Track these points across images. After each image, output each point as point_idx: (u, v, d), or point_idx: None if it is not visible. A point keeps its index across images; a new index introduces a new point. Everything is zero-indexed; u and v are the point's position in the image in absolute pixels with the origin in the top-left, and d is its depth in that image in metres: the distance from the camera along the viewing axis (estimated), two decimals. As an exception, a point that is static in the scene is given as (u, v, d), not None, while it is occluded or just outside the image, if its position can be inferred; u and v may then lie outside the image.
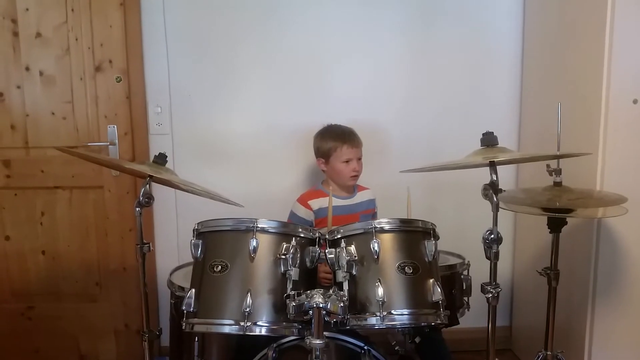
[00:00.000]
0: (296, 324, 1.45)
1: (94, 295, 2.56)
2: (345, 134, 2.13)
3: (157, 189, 1.86)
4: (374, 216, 2.22)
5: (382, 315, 1.43)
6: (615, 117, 1.95)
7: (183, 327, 1.48)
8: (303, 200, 2.14)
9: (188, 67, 2.48)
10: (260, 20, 2.47)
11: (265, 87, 2.52)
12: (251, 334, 1.42)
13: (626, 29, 1.90)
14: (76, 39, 2.38)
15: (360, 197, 2.20)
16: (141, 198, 1.61)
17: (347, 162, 2.09)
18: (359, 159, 2.13)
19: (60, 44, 2.38)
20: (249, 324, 1.41)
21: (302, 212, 2.12)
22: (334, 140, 2.11)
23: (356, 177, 2.13)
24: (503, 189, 1.55)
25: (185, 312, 1.47)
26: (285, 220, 2.11)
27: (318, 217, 2.12)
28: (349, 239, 1.53)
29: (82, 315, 2.56)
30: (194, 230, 1.56)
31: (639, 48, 1.92)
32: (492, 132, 1.60)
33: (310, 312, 1.35)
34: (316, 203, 2.13)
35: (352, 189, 2.20)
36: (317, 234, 1.58)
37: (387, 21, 2.51)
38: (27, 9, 2.35)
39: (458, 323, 1.84)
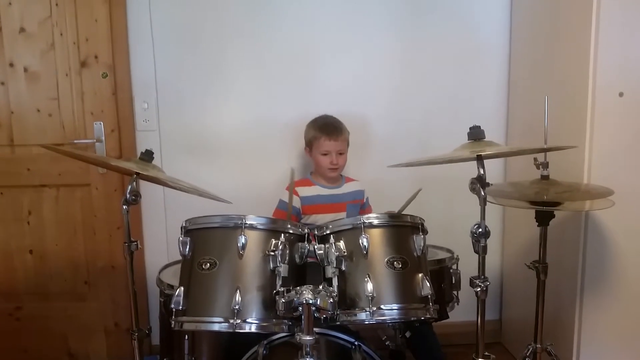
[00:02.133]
0: (286, 321, 1.45)
1: (82, 294, 2.54)
2: (328, 126, 2.14)
3: (145, 186, 1.85)
4: (362, 206, 2.25)
5: (371, 311, 1.43)
6: (602, 110, 1.96)
7: (172, 326, 1.47)
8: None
9: (175, 63, 2.46)
10: (248, 14, 2.45)
11: (254, 82, 2.50)
12: (241, 331, 1.41)
13: (611, 22, 1.91)
14: (61, 34, 2.35)
15: (347, 187, 2.23)
16: (128, 195, 1.59)
17: (325, 154, 2.11)
18: (341, 153, 2.14)
19: (45, 39, 2.35)
20: (238, 321, 1.40)
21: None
22: (316, 130, 2.15)
23: (334, 170, 2.15)
24: (491, 182, 1.56)
25: (174, 310, 1.46)
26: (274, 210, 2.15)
27: (304, 204, 2.16)
28: (337, 234, 1.53)
29: (71, 315, 2.54)
30: (182, 227, 1.54)
31: (625, 41, 1.94)
32: (479, 126, 1.60)
33: (300, 308, 1.35)
34: (303, 190, 2.17)
35: (339, 179, 2.23)
36: (306, 230, 1.58)
37: (376, 16, 2.50)
38: (10, 3, 2.32)
39: (448, 317, 1.85)
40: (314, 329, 1.37)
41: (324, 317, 1.43)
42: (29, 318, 2.52)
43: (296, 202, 2.16)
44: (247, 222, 1.48)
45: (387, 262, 1.48)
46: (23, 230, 2.47)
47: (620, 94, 1.96)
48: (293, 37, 2.48)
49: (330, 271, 1.49)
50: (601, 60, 1.93)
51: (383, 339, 1.97)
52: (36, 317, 2.52)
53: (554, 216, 1.81)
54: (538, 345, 1.92)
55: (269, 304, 1.43)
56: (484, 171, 1.53)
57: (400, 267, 1.48)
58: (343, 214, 2.15)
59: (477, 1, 2.55)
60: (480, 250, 1.54)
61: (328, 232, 1.55)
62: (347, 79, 2.52)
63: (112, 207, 2.46)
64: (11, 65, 2.36)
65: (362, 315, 1.45)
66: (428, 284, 1.48)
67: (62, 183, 2.45)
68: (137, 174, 1.61)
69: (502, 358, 2.60)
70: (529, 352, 1.93)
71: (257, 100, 2.51)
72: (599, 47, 1.92)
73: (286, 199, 2.12)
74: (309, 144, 2.18)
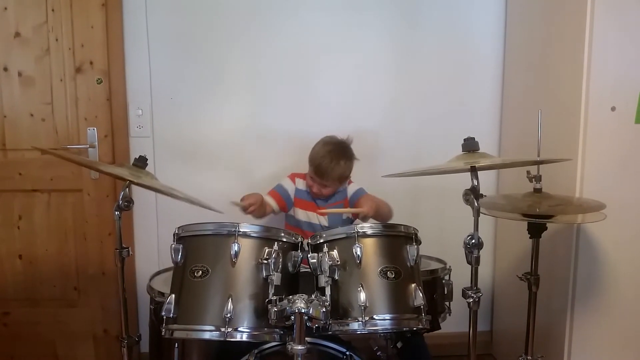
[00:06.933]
0: (278, 330, 1.44)
1: (72, 300, 2.52)
2: (321, 167, 2.06)
3: (138, 192, 1.84)
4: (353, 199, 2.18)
5: (364, 321, 1.43)
6: (595, 124, 1.98)
7: (162, 333, 1.45)
8: (292, 176, 2.21)
9: (170, 69, 2.46)
10: (244, 22, 2.46)
11: (249, 90, 2.51)
12: (232, 339, 1.40)
13: (605, 38, 1.93)
14: (56, 40, 2.35)
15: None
16: (120, 202, 1.59)
17: (312, 177, 2.11)
18: (325, 186, 2.10)
19: (40, 44, 2.34)
20: (229, 329, 1.39)
21: (288, 185, 2.19)
22: (312, 157, 2.10)
23: (315, 195, 2.14)
24: (484, 194, 1.56)
25: (164, 317, 1.45)
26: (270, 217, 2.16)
27: (296, 197, 2.17)
28: (331, 243, 1.53)
29: (60, 321, 2.51)
30: (174, 234, 1.54)
31: (617, 57, 1.96)
32: (474, 138, 1.61)
33: (292, 317, 1.35)
34: (300, 183, 2.19)
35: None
36: (299, 239, 1.57)
37: (372, 29, 2.52)
38: (6, 8, 2.31)
39: (439, 328, 1.84)
40: (306, 338, 1.37)
41: (316, 327, 1.43)
42: (17, 324, 2.49)
43: (292, 191, 2.17)
44: (240, 229, 1.47)
45: (380, 272, 1.48)
46: (13, 235, 2.45)
47: (613, 109, 1.98)
48: (289, 45, 2.49)
49: (323, 280, 1.49)
50: (594, 75, 1.95)
51: (375, 349, 1.95)
52: (24, 323, 2.49)
53: (546, 228, 1.82)
54: (529, 357, 1.91)
55: (260, 313, 1.42)
56: (478, 182, 1.53)
57: (394, 277, 1.48)
58: (323, 218, 2.15)
59: (472, 14, 2.58)
60: (473, 261, 1.55)
61: (321, 240, 1.55)
62: (342, 90, 2.53)
63: (103, 213, 2.45)
64: (5, 69, 2.35)
65: (355, 325, 1.44)
66: (421, 295, 1.48)
67: (53, 188, 2.43)
68: (130, 181, 1.60)
69: (493, 370, 2.61)
70: (519, 364, 1.93)
71: (252, 107, 2.52)
72: (592, 62, 1.94)
73: (285, 185, 2.17)
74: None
